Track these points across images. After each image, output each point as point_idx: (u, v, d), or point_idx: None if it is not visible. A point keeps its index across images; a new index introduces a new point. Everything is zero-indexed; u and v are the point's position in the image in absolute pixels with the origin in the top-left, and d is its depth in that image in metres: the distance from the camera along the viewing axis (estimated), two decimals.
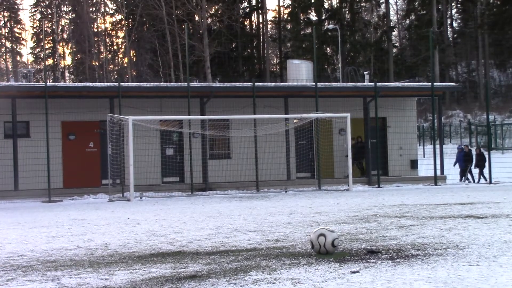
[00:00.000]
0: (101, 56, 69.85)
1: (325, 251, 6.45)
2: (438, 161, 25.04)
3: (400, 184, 24.62)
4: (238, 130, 24.50)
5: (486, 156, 25.74)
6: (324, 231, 6.54)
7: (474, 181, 25.87)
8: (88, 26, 66.40)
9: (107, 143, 22.45)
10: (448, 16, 69.37)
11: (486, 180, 25.35)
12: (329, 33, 60.92)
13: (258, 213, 12.91)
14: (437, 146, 25.93)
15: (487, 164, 24.99)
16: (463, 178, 26.37)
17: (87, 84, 26.09)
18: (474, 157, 26.67)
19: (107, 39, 71.75)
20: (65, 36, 78.66)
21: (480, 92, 60.29)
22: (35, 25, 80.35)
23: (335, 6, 65.73)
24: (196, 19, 55.73)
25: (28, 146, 23.58)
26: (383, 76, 59.37)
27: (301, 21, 64.79)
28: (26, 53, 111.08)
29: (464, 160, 26.36)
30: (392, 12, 71.73)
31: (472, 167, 26.57)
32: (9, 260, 7.21)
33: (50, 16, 78.69)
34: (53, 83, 39.24)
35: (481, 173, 26.18)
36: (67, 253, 7.63)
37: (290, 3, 68.67)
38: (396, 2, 77.91)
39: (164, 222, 11.49)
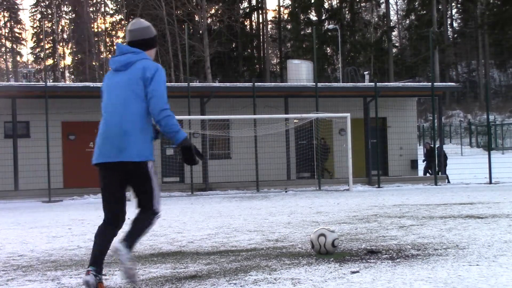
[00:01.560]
0: (101, 56, 69.87)
1: (325, 251, 6.45)
2: (440, 162, 25.05)
3: (400, 184, 24.64)
4: (238, 130, 24.51)
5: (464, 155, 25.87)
6: (324, 231, 6.54)
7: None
8: (88, 26, 66.42)
9: None
10: (448, 16, 69.38)
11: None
12: (329, 33, 60.92)
13: (258, 213, 12.91)
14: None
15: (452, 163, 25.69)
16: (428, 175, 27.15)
17: (87, 84, 26.10)
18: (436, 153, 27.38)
19: (107, 39, 71.74)
20: (65, 36, 78.65)
21: (480, 92, 60.29)
22: (35, 25, 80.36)
23: (335, 6, 65.73)
24: (196, 19, 55.74)
25: (28, 146, 23.59)
26: (383, 76, 59.38)
27: (301, 21, 64.78)
28: (26, 53, 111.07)
29: (427, 157, 27.19)
30: (392, 12, 71.76)
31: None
32: (9, 260, 7.21)
33: (50, 16, 78.67)
34: (53, 83, 39.25)
35: (428, 169, 26.95)
36: (67, 253, 7.64)
37: (290, 3, 68.69)
38: (396, 2, 77.94)
39: (164, 222, 11.50)
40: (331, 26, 59.46)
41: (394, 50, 68.29)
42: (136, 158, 5.14)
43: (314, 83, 25.54)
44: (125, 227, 5.30)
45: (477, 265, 5.59)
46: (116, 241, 5.12)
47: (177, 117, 23.91)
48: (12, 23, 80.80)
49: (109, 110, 5.24)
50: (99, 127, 5.30)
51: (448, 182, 25.71)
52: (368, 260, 6.06)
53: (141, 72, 5.17)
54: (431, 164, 27.04)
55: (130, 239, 5.14)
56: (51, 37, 76.67)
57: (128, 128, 5.12)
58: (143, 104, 5.16)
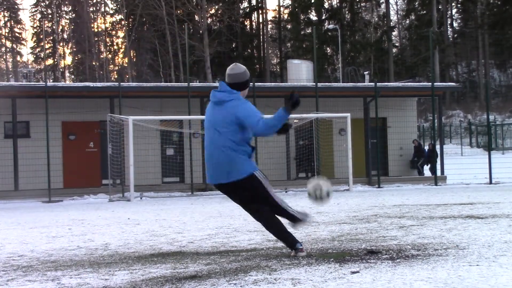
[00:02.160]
0: (101, 56, 69.87)
1: (321, 199, 6.62)
2: (438, 161, 25.06)
3: (400, 184, 24.64)
4: None
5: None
6: (320, 183, 6.71)
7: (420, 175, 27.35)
8: (88, 26, 66.42)
9: (107, 143, 22.46)
10: (448, 16, 69.35)
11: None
12: (329, 33, 60.90)
13: None
14: (437, 146, 25.95)
15: (439, 161, 26.06)
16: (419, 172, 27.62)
17: (87, 84, 26.10)
18: (426, 152, 27.76)
19: (107, 39, 71.72)
20: (65, 36, 78.62)
21: (480, 92, 60.28)
22: (35, 25, 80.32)
23: (335, 6, 65.70)
24: (196, 19, 55.74)
25: (28, 146, 23.59)
26: (383, 76, 59.37)
27: (301, 21, 64.76)
28: (26, 53, 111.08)
29: (415, 154, 27.54)
30: (392, 12, 71.73)
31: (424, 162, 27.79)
32: (9, 260, 7.21)
33: (50, 16, 78.65)
34: (53, 83, 39.25)
35: (431, 169, 27.33)
36: (67, 253, 7.64)
37: (290, 3, 68.68)
38: (396, 2, 77.94)
39: (164, 222, 11.50)
40: (331, 26, 59.45)
41: (394, 50, 68.28)
42: (242, 175, 6.52)
43: (314, 83, 25.53)
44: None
45: (477, 265, 5.60)
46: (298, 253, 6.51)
47: (177, 117, 23.94)
48: (12, 23, 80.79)
49: (210, 141, 6.62)
50: (205, 152, 6.72)
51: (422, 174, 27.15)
52: (368, 260, 6.07)
53: (233, 112, 6.49)
54: (420, 160, 27.47)
55: (288, 244, 6.64)
56: (51, 37, 76.67)
57: (227, 155, 6.48)
58: (234, 134, 6.50)
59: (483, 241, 7.17)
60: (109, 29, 72.11)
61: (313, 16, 66.05)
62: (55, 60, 76.19)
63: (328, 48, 64.07)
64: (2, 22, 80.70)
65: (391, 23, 68.33)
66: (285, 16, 71.53)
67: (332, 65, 64.53)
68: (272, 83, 36.01)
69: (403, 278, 5.11)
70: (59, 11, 77.13)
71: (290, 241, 6.56)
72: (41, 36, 73.16)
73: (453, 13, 72.21)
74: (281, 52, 71.17)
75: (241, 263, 6.26)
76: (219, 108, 6.62)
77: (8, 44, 79.04)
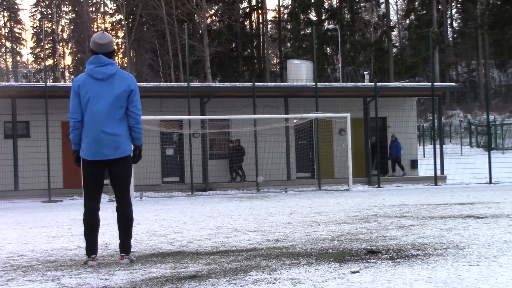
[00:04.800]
0: None
1: None
2: (438, 161, 25.05)
3: (400, 184, 24.63)
4: (238, 130, 24.49)
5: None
6: None
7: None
8: (88, 26, 66.39)
9: None
10: (448, 16, 69.38)
11: (403, 171, 26.73)
12: (329, 33, 60.91)
13: (258, 213, 12.91)
14: (437, 146, 25.95)
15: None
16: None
17: None
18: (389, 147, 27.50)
19: None
20: (65, 36, 78.55)
21: (480, 92, 60.29)
22: (35, 25, 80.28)
23: (335, 6, 65.72)
24: (196, 19, 55.69)
25: (28, 146, 23.57)
26: (383, 76, 59.37)
27: (301, 21, 64.77)
28: (26, 53, 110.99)
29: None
30: (392, 12, 71.75)
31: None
32: (9, 260, 7.21)
33: (50, 16, 78.60)
34: (53, 83, 39.23)
35: (395, 164, 27.10)
36: (67, 253, 7.64)
37: (290, 3, 68.69)
38: (396, 2, 77.98)
39: (164, 222, 11.50)
40: (331, 26, 59.47)
41: (394, 50, 68.28)
42: (126, 153, 6.53)
43: (314, 83, 25.52)
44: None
45: (477, 265, 5.60)
46: (121, 261, 6.62)
47: (177, 117, 23.94)
48: (12, 23, 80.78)
49: (98, 116, 6.41)
50: (86, 130, 6.45)
51: (403, 172, 26.82)
52: (368, 260, 6.07)
53: (125, 84, 6.58)
54: (376, 158, 27.10)
55: (126, 247, 6.72)
56: (51, 37, 76.67)
57: (116, 131, 6.45)
58: (124, 110, 6.54)
59: (483, 240, 7.17)
60: (109, 29, 72.12)
61: (313, 16, 66.09)
62: (55, 60, 76.19)
63: (328, 48, 64.09)
64: (2, 22, 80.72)
65: (391, 23, 68.34)
66: (285, 16, 71.55)
67: (332, 65, 64.54)
68: (272, 83, 36.00)
69: (403, 278, 5.11)
70: (59, 11, 77.13)
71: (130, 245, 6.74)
72: (41, 36, 73.15)
73: (453, 13, 72.26)
74: (281, 52, 71.18)
75: (241, 263, 6.26)
76: (105, 84, 6.50)
77: (8, 44, 79.03)
